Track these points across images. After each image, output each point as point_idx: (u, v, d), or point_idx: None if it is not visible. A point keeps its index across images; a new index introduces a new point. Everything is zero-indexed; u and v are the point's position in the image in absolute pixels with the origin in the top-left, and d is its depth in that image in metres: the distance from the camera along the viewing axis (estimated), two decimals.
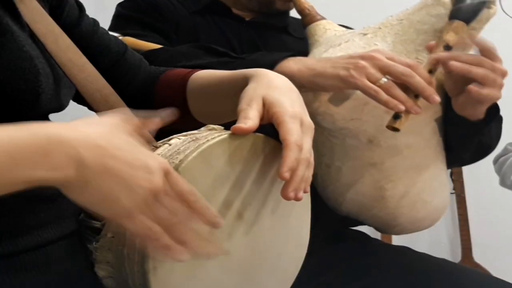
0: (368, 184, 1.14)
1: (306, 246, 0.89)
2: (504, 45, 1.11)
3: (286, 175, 0.73)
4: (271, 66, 1.02)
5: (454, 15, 1.04)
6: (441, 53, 1.00)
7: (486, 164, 1.38)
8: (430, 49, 1.03)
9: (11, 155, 0.60)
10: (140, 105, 0.95)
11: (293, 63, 1.05)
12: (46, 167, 0.61)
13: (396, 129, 0.97)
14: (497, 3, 1.05)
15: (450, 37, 1.02)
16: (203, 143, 0.74)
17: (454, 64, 0.98)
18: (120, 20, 1.31)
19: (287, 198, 0.75)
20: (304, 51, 1.25)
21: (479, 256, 2.40)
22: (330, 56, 1.12)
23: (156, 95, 1.00)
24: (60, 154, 0.61)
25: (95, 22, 1.00)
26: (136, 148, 0.66)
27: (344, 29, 1.25)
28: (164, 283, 0.72)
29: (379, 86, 0.97)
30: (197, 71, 0.99)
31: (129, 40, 1.19)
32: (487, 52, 0.99)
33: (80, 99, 0.91)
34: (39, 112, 0.80)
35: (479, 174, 1.48)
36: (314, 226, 0.90)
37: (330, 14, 1.30)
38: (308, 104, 1.05)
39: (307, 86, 1.03)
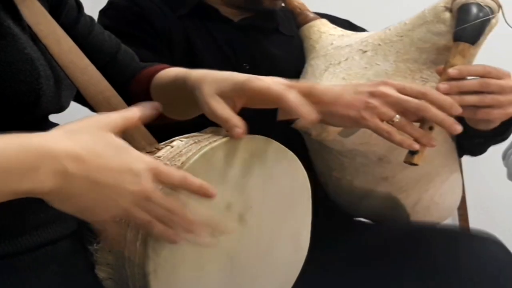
0: (381, 196, 1.13)
1: (306, 250, 0.89)
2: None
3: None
4: None
5: (458, 36, 1.01)
6: (444, 99, 0.95)
7: (487, 164, 1.38)
8: (438, 73, 1.00)
9: (0, 168, 0.60)
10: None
11: None
12: (33, 181, 0.61)
13: (414, 164, 0.95)
14: (500, 16, 1.02)
15: (457, 61, 0.99)
16: (205, 145, 0.74)
17: (459, 110, 0.95)
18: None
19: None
20: (296, 51, 1.24)
21: None
22: (332, 77, 1.10)
23: (131, 93, 0.98)
24: (48, 168, 0.61)
25: (91, 22, 0.99)
26: (121, 152, 0.66)
27: (339, 31, 1.22)
28: (165, 285, 0.72)
29: (392, 124, 0.94)
30: (164, 68, 0.98)
31: None
32: (491, 75, 0.97)
33: (82, 100, 0.91)
34: (39, 113, 0.79)
35: (480, 174, 1.48)
36: (314, 228, 0.90)
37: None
38: (317, 135, 1.05)
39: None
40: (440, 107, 0.93)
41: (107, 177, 0.64)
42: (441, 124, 0.94)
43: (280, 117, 1.01)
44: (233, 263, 0.78)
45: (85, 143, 0.64)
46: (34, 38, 0.82)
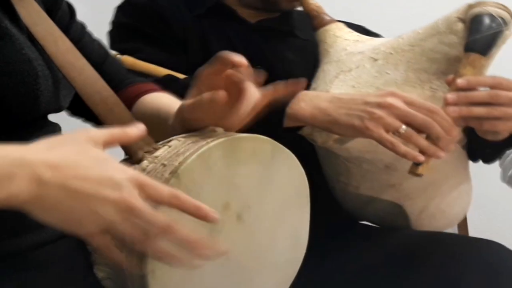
0: (387, 203, 1.13)
1: (305, 247, 0.89)
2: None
3: None
4: (282, 108, 1.00)
5: (470, 47, 1.00)
6: (454, 110, 0.96)
7: (485, 166, 1.38)
8: (448, 84, 1.00)
9: None
10: None
11: (305, 104, 1.00)
12: (8, 189, 0.60)
13: (418, 175, 0.95)
14: None
15: (467, 72, 0.98)
16: (203, 145, 0.74)
17: (469, 122, 0.97)
18: (119, 30, 1.24)
19: None
20: (310, 55, 1.24)
21: None
22: (342, 85, 1.10)
23: None
24: (22, 175, 0.61)
25: (82, 29, 0.98)
26: (102, 163, 0.64)
27: (355, 35, 1.21)
28: (163, 285, 0.72)
29: (399, 135, 0.94)
30: (150, 90, 0.97)
31: (128, 60, 1.16)
32: (501, 86, 0.97)
33: (76, 109, 0.91)
34: (38, 113, 0.80)
35: (479, 174, 1.48)
36: (314, 226, 0.90)
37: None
38: (323, 143, 1.06)
39: (321, 128, 1.02)
40: (443, 127, 0.94)
41: (86, 185, 0.62)
42: (438, 142, 0.94)
43: (287, 123, 1.02)
44: (231, 263, 0.78)
45: (63, 154, 0.63)
46: (32, 38, 0.82)
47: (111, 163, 0.65)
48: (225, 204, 0.75)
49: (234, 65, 0.76)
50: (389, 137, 0.94)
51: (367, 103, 0.97)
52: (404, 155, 0.94)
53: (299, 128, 1.06)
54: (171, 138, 0.77)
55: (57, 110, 0.85)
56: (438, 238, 1.13)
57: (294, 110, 1.01)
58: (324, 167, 1.19)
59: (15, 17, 0.80)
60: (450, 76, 1.00)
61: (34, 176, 0.61)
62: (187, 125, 0.80)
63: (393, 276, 1.06)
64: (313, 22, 1.23)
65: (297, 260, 0.89)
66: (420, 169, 0.95)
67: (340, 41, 1.19)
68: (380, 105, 0.95)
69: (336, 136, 1.05)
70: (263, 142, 0.79)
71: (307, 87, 1.11)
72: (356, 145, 1.06)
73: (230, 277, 0.79)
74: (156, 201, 0.64)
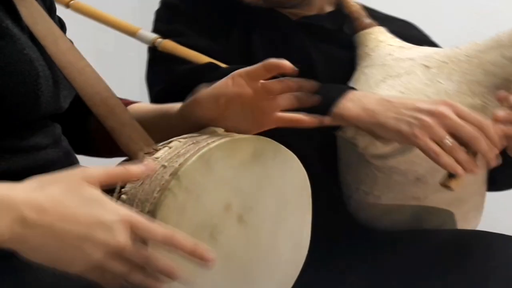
0: (407, 215, 1.12)
1: (307, 248, 0.89)
2: None
3: None
4: (328, 106, 0.98)
5: None
6: (502, 129, 0.95)
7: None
8: (499, 100, 0.98)
9: None
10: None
11: (352, 105, 0.98)
12: None
13: (450, 188, 0.94)
14: None
15: None
16: (204, 146, 0.74)
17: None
18: (167, 10, 1.21)
19: None
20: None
21: None
22: (389, 89, 1.07)
23: (92, 129, 0.97)
24: (6, 215, 0.60)
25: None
26: (92, 204, 0.64)
27: (397, 41, 1.19)
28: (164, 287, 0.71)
29: (441, 146, 0.92)
30: (130, 103, 0.96)
31: (168, 45, 1.14)
32: None
33: (76, 112, 0.91)
34: (38, 114, 0.80)
35: None
36: (315, 227, 0.90)
37: None
38: (364, 147, 1.04)
39: (365, 131, 1.00)
40: (488, 144, 0.93)
41: (74, 228, 0.62)
42: (483, 156, 0.93)
43: (331, 122, 1.00)
44: (233, 264, 0.78)
45: (51, 194, 0.63)
46: (33, 38, 0.82)
47: (104, 204, 0.65)
48: (226, 205, 0.75)
49: (282, 72, 0.78)
50: (435, 146, 0.92)
51: (418, 110, 0.95)
52: (445, 166, 0.92)
53: (338, 127, 1.04)
54: (171, 139, 0.77)
55: (58, 110, 0.84)
56: (471, 236, 1.12)
57: (341, 110, 0.99)
58: (344, 175, 1.16)
59: (16, 17, 0.80)
60: (502, 92, 0.98)
61: (18, 217, 0.60)
62: (188, 122, 0.81)
63: (419, 278, 1.05)
64: (354, 24, 1.21)
65: (299, 260, 0.89)
66: (454, 183, 0.94)
67: (383, 46, 1.17)
68: (431, 113, 0.93)
69: (384, 146, 1.03)
70: (264, 143, 0.79)
71: None
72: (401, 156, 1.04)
73: (231, 278, 0.79)
74: (153, 240, 0.65)
